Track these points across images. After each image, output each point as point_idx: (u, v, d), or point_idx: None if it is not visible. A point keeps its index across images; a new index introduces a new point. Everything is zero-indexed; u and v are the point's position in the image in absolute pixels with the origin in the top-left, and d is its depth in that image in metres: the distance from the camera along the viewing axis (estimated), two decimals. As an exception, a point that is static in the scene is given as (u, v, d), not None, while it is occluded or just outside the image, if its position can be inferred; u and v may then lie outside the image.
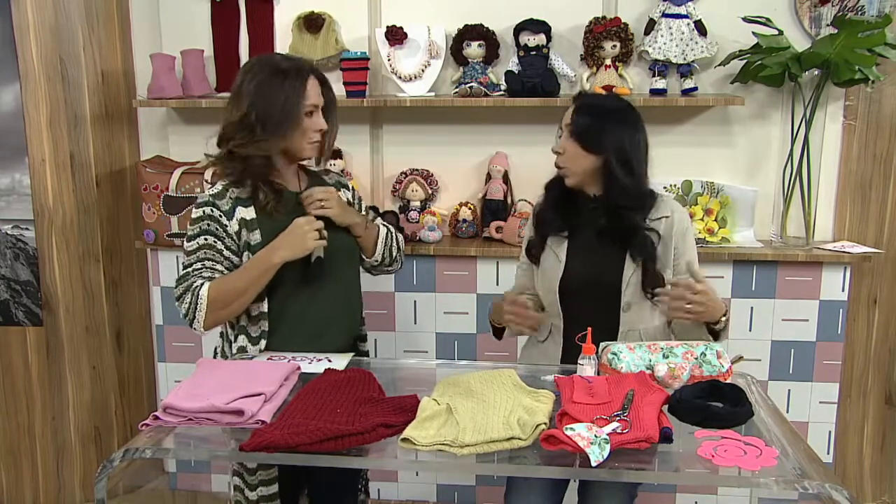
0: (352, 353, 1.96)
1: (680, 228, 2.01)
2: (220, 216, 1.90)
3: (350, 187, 2.18)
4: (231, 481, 2.00)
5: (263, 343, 1.95)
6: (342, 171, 2.91)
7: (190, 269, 1.88)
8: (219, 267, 1.89)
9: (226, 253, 1.90)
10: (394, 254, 2.16)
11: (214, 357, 2.05)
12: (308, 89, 1.91)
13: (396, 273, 2.82)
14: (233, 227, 1.90)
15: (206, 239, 1.89)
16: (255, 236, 1.90)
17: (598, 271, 2.00)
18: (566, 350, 2.04)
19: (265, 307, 1.93)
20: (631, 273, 1.97)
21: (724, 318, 1.90)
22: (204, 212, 1.91)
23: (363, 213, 2.16)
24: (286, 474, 1.97)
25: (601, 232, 2.00)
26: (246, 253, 1.91)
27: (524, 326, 1.97)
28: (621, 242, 1.98)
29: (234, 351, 1.96)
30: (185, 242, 1.93)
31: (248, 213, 1.91)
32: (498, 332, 2.18)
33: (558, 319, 2.06)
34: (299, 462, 1.47)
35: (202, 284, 1.84)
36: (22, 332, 2.92)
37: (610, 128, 1.95)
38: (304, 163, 2.09)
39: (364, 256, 2.12)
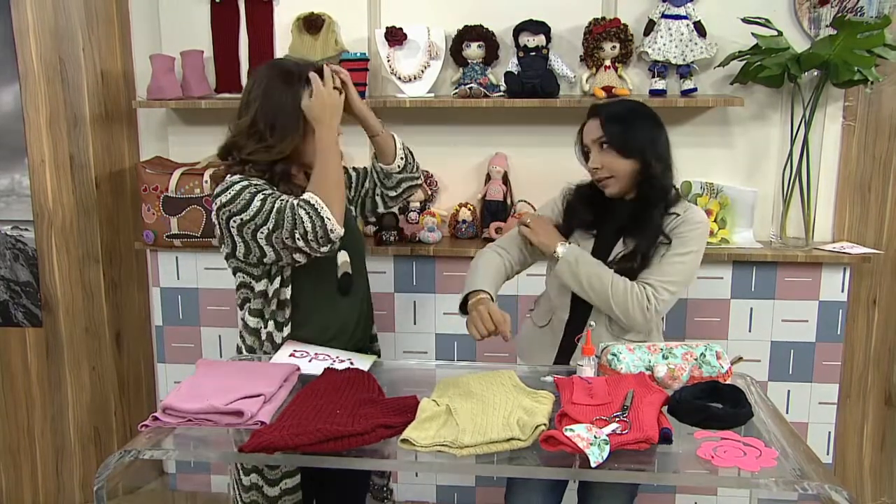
0: (375, 357, 1.97)
1: (679, 221, 1.99)
2: (261, 183, 1.85)
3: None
4: (239, 480, 1.95)
5: (287, 330, 1.95)
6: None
7: (278, 205, 1.77)
8: (293, 200, 1.80)
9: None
10: (412, 159, 2.15)
11: (238, 353, 2.04)
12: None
13: (397, 273, 2.85)
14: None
15: (263, 193, 1.80)
16: None
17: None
18: (564, 344, 2.07)
19: (288, 293, 1.92)
20: (619, 251, 1.99)
21: (555, 255, 2.00)
22: (242, 185, 1.83)
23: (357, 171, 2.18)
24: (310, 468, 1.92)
25: (620, 229, 2.01)
26: None
27: (478, 332, 1.89)
28: (632, 233, 2.00)
29: (264, 338, 1.95)
30: (239, 220, 1.80)
31: None
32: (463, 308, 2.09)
33: (564, 312, 2.07)
34: (298, 463, 1.48)
35: (295, 197, 1.78)
36: (21, 332, 2.92)
37: (640, 129, 1.97)
38: None
39: (383, 164, 2.10)
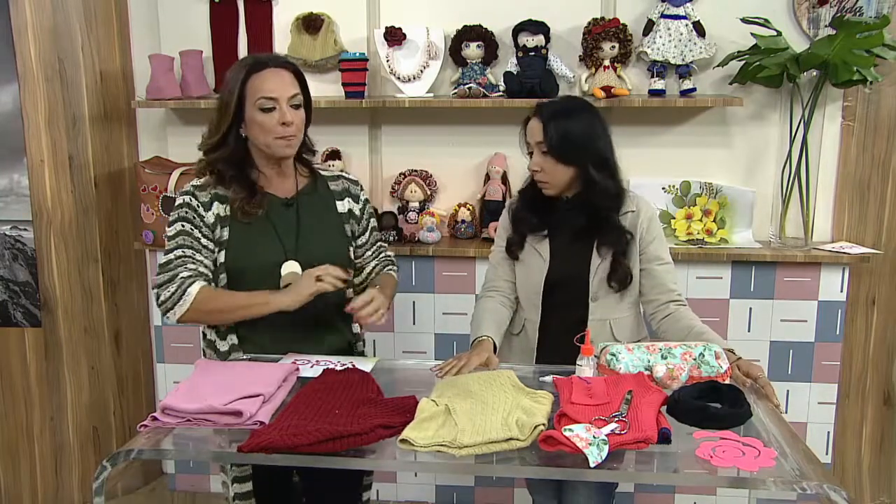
0: (376, 358, 1.97)
1: (644, 219, 2.02)
2: (198, 206, 1.90)
3: (359, 196, 2.09)
4: (222, 477, 2.03)
5: (233, 338, 1.95)
6: (341, 171, 2.91)
7: (172, 257, 1.87)
8: (198, 256, 1.87)
9: (203, 241, 1.89)
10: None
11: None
12: (255, 83, 1.84)
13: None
14: (209, 218, 1.90)
15: (182, 226, 1.89)
16: (225, 233, 1.90)
17: (574, 267, 2.03)
18: (541, 345, 2.07)
19: None
20: (598, 264, 2.00)
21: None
22: (183, 200, 1.92)
23: (371, 230, 2.13)
24: (263, 473, 1.95)
25: (577, 230, 2.02)
26: (218, 249, 1.90)
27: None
28: (594, 238, 2.01)
29: (204, 346, 2.00)
30: (166, 227, 1.94)
31: (224, 209, 1.91)
32: None
33: (535, 315, 2.08)
34: (298, 463, 1.47)
35: (193, 282, 1.82)
36: (20, 332, 2.92)
37: (582, 136, 1.96)
38: (314, 164, 2.08)
39: None
